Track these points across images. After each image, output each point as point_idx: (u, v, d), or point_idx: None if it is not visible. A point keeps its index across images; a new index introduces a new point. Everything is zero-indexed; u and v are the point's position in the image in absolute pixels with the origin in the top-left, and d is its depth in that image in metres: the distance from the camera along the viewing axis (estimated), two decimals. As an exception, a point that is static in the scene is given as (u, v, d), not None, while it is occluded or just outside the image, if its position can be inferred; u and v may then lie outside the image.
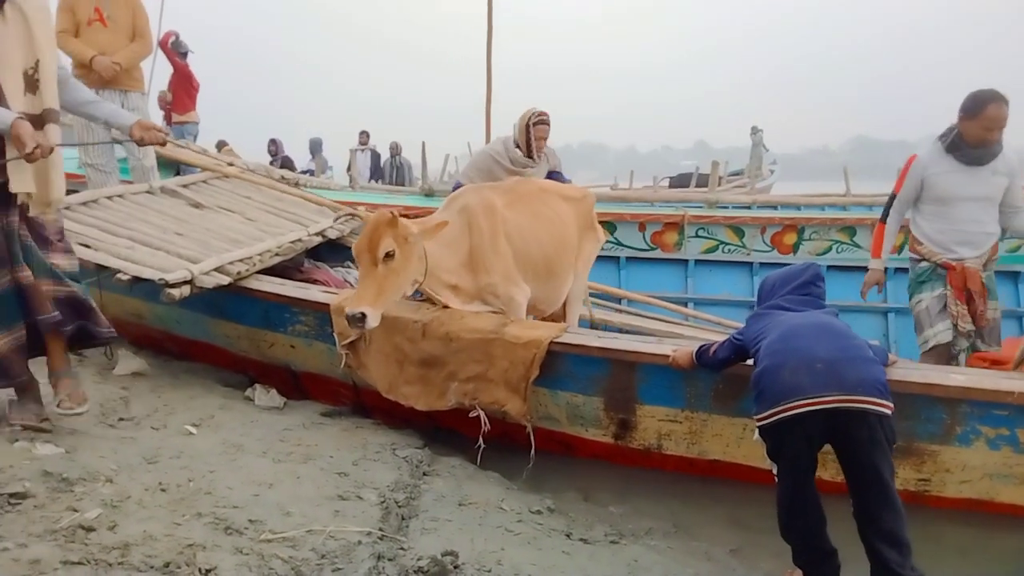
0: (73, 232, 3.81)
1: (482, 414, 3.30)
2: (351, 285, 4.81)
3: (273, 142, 12.43)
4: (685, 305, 5.81)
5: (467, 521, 2.67)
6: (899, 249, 6.41)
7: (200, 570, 1.97)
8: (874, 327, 5.70)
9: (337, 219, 3.38)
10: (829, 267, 5.62)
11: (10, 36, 2.63)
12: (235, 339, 4.05)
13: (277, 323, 3.85)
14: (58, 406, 2.76)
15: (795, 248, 6.40)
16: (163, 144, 3.77)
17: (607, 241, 6.14)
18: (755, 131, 15.64)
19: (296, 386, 4.00)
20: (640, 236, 6.35)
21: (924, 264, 3.85)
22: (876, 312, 5.79)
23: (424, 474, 3.08)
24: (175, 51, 8.70)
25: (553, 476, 3.34)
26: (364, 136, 13.96)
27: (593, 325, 4.80)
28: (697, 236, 6.38)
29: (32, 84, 2.70)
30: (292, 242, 4.49)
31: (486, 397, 3.32)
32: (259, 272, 3.97)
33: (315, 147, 14.31)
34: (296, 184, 6.76)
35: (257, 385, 3.80)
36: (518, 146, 4.68)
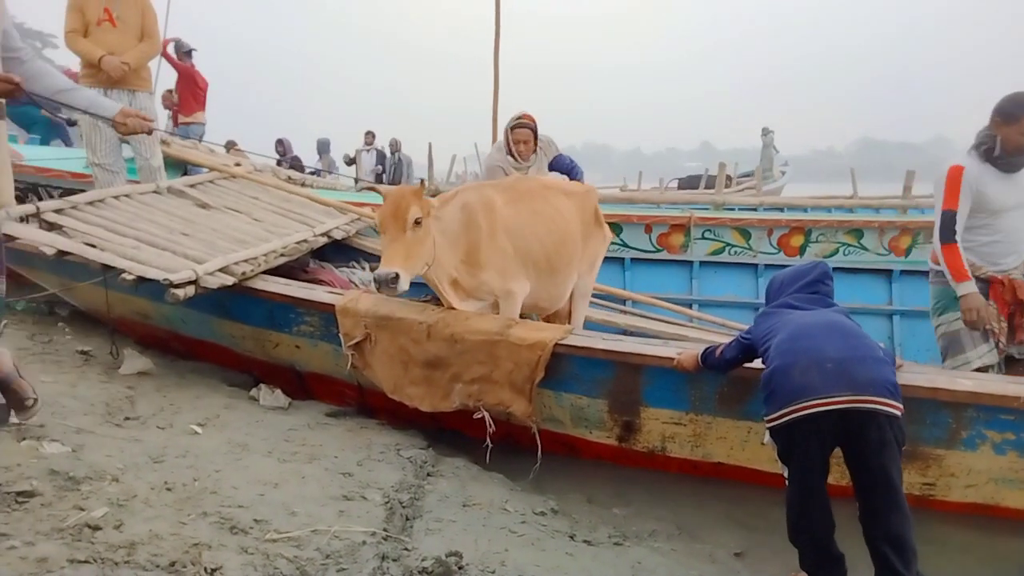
0: (79, 231, 3.83)
1: (487, 416, 3.30)
2: (356, 286, 4.82)
3: (280, 142, 12.45)
4: (690, 307, 5.80)
5: (471, 522, 2.67)
6: (906, 252, 6.41)
7: (205, 569, 1.97)
8: (879, 330, 5.68)
9: (360, 190, 3.48)
10: (835, 269, 5.59)
11: None
12: (240, 339, 4.06)
13: (282, 323, 3.86)
14: None
15: (802, 250, 6.38)
16: (149, 132, 3.75)
17: (613, 242, 6.14)
18: (766, 132, 15.60)
19: (301, 386, 4.01)
20: (646, 238, 6.34)
21: None
22: (881, 314, 5.77)
23: (428, 475, 3.08)
24: (178, 51, 8.72)
25: (557, 478, 3.34)
26: (370, 136, 13.98)
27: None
28: (704, 238, 6.37)
29: None
30: (298, 243, 4.51)
31: (491, 398, 3.32)
32: (265, 272, 3.98)
33: (322, 147, 14.33)
34: (303, 184, 6.78)
35: (262, 385, 3.81)
36: (509, 153, 4.71)
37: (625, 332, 4.76)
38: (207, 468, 2.65)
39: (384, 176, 13.31)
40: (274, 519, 2.33)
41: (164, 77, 8.63)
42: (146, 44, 4.92)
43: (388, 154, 13.69)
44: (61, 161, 5.72)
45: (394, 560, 2.22)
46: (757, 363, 2.81)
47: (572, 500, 3.19)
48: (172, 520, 2.20)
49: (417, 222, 3.15)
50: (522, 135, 4.64)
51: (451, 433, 3.65)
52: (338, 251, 5.31)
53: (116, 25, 4.78)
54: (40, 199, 5.15)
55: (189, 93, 9.02)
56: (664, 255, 6.31)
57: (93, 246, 3.71)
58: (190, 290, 3.47)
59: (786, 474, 2.42)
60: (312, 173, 10.12)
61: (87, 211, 4.13)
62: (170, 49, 8.50)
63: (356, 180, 10.67)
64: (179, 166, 6.08)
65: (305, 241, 4.62)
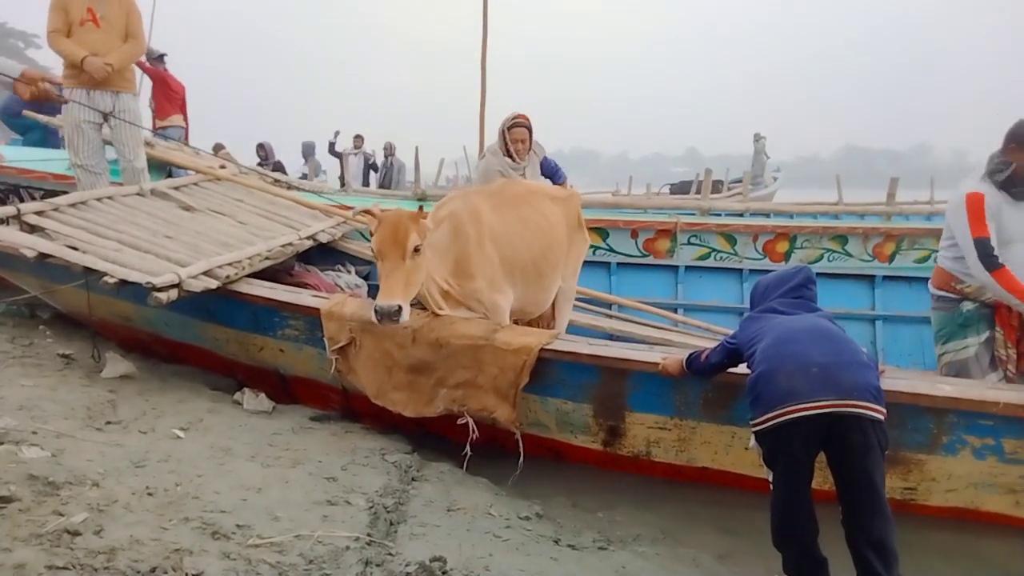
0: (61, 234, 3.80)
1: (471, 421, 3.30)
2: (341, 289, 4.80)
3: (262, 147, 12.32)
4: (675, 311, 5.83)
5: (455, 527, 2.67)
6: (890, 258, 6.49)
7: (187, 575, 1.96)
8: (862, 334, 5.74)
9: (355, 214, 3.37)
10: (818, 274, 5.64)
11: None
12: (224, 342, 4.04)
13: (266, 327, 3.84)
14: None
15: (787, 256, 6.44)
16: (57, 100, 3.58)
17: (600, 247, 6.16)
18: (758, 138, 15.76)
19: (285, 390, 3.99)
20: (633, 243, 6.37)
21: (970, 305, 3.48)
22: (864, 319, 5.83)
23: (413, 479, 3.07)
24: (149, 57, 8.66)
25: (542, 482, 3.34)
26: (359, 140, 13.95)
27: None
28: (689, 243, 6.41)
29: None
30: (283, 246, 4.48)
31: (475, 404, 3.32)
32: (249, 276, 3.96)
33: (307, 151, 14.27)
34: (289, 187, 6.75)
35: (246, 389, 3.78)
36: (506, 154, 4.71)
37: (611, 337, 4.78)
38: (189, 473, 2.63)
39: (377, 180, 13.28)
40: (257, 524, 2.32)
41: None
42: (130, 45, 4.88)
43: (382, 157, 13.67)
44: (43, 162, 5.66)
45: (378, 565, 2.21)
46: (742, 368, 2.83)
47: (557, 504, 3.20)
48: (153, 525, 2.18)
49: (416, 249, 3.07)
50: (519, 134, 4.66)
51: (436, 437, 3.64)
52: (324, 254, 5.29)
53: (100, 25, 4.73)
54: (22, 201, 5.10)
55: (163, 97, 8.96)
56: (650, 260, 6.34)
57: (75, 249, 3.67)
58: (173, 293, 3.44)
59: (771, 478, 2.43)
60: (301, 178, 10.08)
61: (69, 213, 4.09)
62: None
63: (342, 181, 10.63)
64: (163, 168, 6.04)
65: (290, 244, 4.59)
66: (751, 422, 2.42)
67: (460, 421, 3.32)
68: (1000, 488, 3.08)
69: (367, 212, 3.24)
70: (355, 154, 13.50)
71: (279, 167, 11.37)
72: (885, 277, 5.92)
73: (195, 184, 5.29)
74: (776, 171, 16.38)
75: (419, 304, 3.61)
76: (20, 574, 1.80)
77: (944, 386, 3.06)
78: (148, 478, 2.51)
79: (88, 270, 3.57)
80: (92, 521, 2.12)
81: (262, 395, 3.74)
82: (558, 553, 2.63)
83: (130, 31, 4.89)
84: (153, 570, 1.95)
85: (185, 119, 8.99)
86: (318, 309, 3.60)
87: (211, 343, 4.08)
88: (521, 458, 3.25)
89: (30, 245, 3.64)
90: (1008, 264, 3.34)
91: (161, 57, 8.86)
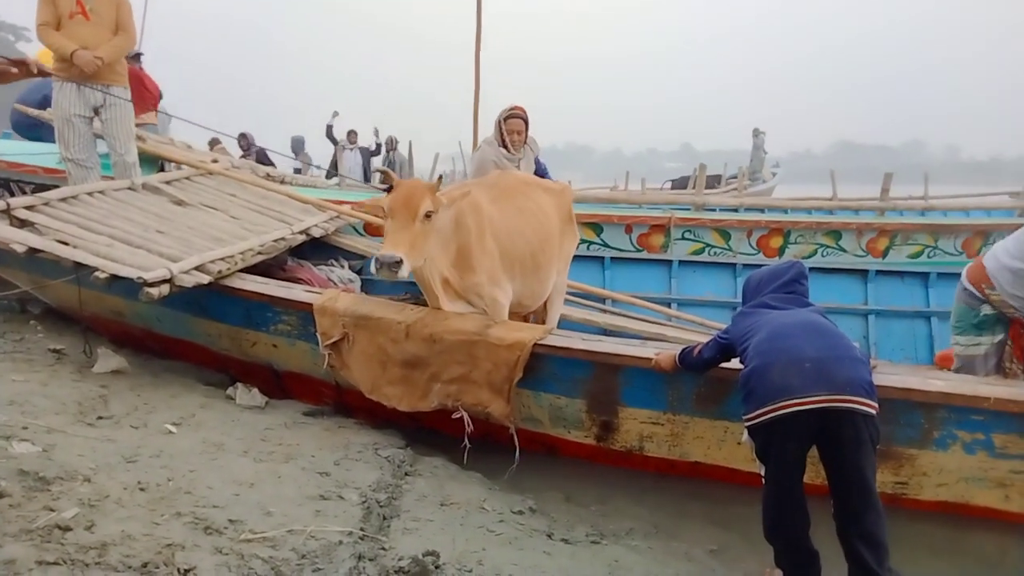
0: (51, 228, 3.77)
1: (465, 416, 3.29)
2: (334, 284, 4.79)
3: (244, 136, 12.18)
4: (668, 306, 5.83)
5: (449, 521, 2.67)
6: (883, 254, 6.51)
7: (179, 570, 1.95)
8: (854, 329, 5.76)
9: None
10: (811, 269, 5.65)
11: None
12: (217, 338, 4.02)
13: (259, 322, 3.83)
14: None
15: (781, 251, 6.45)
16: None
17: (594, 242, 6.16)
18: (757, 134, 15.77)
19: (278, 385, 3.98)
20: (627, 238, 6.37)
21: (989, 310, 3.43)
22: (856, 314, 5.84)
23: (406, 474, 3.07)
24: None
25: (535, 477, 3.35)
26: (352, 135, 13.87)
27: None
28: (684, 239, 6.41)
29: None
30: (275, 240, 4.47)
31: (469, 399, 3.32)
32: (242, 270, 3.94)
33: (297, 145, 14.13)
34: (282, 181, 6.73)
35: (239, 384, 3.77)
36: (502, 145, 4.70)
37: (605, 332, 4.78)
38: (182, 468, 2.62)
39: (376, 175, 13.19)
40: (249, 519, 2.31)
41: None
42: (120, 38, 4.84)
43: (383, 152, 13.59)
44: (34, 156, 5.62)
45: (370, 560, 2.21)
46: (734, 363, 2.84)
47: (550, 499, 3.20)
48: (145, 520, 2.18)
49: (428, 215, 3.10)
50: (515, 125, 4.67)
51: (429, 432, 3.64)
52: (317, 249, 5.28)
53: (89, 18, 4.69)
54: (12, 195, 5.07)
55: (137, 96, 8.92)
56: (644, 255, 6.34)
57: (65, 243, 3.65)
58: (164, 289, 3.43)
59: (763, 473, 2.44)
60: (295, 172, 10.01)
61: (60, 208, 4.06)
62: None
63: (330, 174, 10.53)
64: (154, 162, 6.01)
65: (283, 239, 4.58)
66: (744, 417, 2.43)
67: (455, 416, 3.32)
68: (990, 483, 3.10)
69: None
70: (351, 149, 13.43)
71: (262, 155, 11.22)
72: (878, 272, 5.94)
73: (187, 178, 5.27)
74: (776, 166, 16.41)
75: (415, 299, 3.61)
76: (11, 570, 1.79)
77: (935, 381, 3.08)
78: (140, 473, 2.51)
79: (79, 265, 3.55)
80: (83, 516, 2.11)
81: (255, 390, 3.74)
82: (551, 547, 2.64)
83: (120, 24, 4.85)
84: (145, 565, 1.94)
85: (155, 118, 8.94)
86: (311, 304, 3.59)
87: (204, 338, 4.07)
88: (517, 452, 3.26)
89: (20, 240, 3.62)
90: None
91: (137, 56, 8.81)
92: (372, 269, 3.03)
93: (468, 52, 7.36)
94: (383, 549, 2.32)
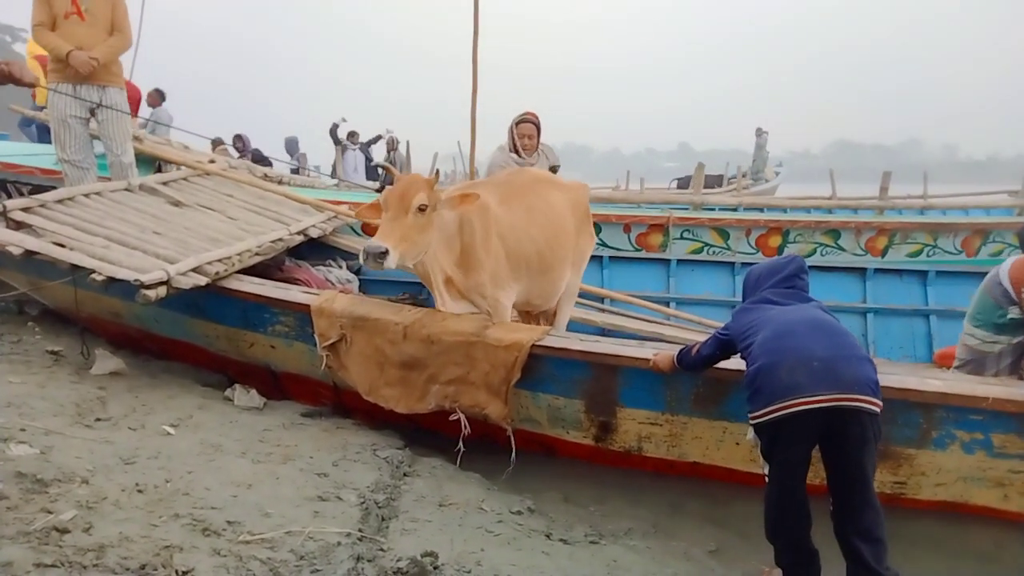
0: (48, 230, 3.76)
1: (463, 417, 3.29)
2: (332, 284, 4.79)
3: (239, 138, 12.16)
4: (667, 305, 5.83)
5: (447, 522, 2.67)
6: (882, 252, 6.51)
7: (177, 572, 1.95)
8: (852, 327, 5.75)
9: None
10: (810, 267, 5.64)
11: None
12: (214, 339, 4.02)
13: (257, 323, 3.83)
14: None
15: (779, 250, 6.46)
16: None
17: (591, 242, 6.15)
18: (759, 133, 15.76)
19: (276, 386, 3.97)
20: (625, 237, 6.37)
21: (1017, 313, 3.37)
22: (855, 312, 5.84)
23: (404, 475, 3.07)
24: None
25: (534, 477, 3.35)
26: (354, 136, 13.88)
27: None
28: (682, 238, 6.41)
29: None
30: (273, 241, 4.46)
31: (467, 400, 3.31)
32: (239, 272, 3.94)
33: (291, 146, 14.10)
34: (279, 182, 6.72)
35: (237, 385, 3.76)
36: (513, 150, 4.75)
37: (603, 331, 4.77)
38: (179, 469, 2.62)
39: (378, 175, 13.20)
40: (247, 520, 2.31)
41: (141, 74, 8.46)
42: (116, 39, 4.82)
43: (385, 152, 13.63)
44: (30, 157, 5.61)
45: (369, 561, 2.21)
46: (732, 363, 2.84)
47: (548, 499, 3.20)
48: (143, 522, 2.17)
49: (421, 209, 3.11)
50: (526, 130, 4.72)
51: (428, 433, 3.63)
52: (314, 249, 5.27)
53: (85, 19, 4.67)
54: (8, 196, 5.05)
55: None
56: (643, 254, 6.34)
57: (62, 245, 3.64)
58: (161, 291, 3.42)
59: (766, 471, 2.43)
60: (293, 172, 9.99)
61: (56, 209, 4.05)
62: None
63: (333, 172, 10.53)
64: (151, 163, 6.00)
65: (280, 240, 4.57)
66: (750, 414, 2.41)
67: (452, 417, 3.31)
68: (989, 482, 3.10)
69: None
70: (353, 149, 13.45)
71: (258, 155, 11.20)
72: (876, 270, 5.94)
73: (184, 179, 5.25)
74: (778, 166, 16.41)
75: (413, 300, 3.60)
76: (8, 572, 1.79)
77: (933, 381, 3.08)
78: (138, 475, 2.50)
79: (76, 267, 3.54)
80: (81, 518, 2.11)
81: (253, 391, 3.73)
82: (550, 547, 2.64)
83: (116, 24, 4.83)
84: (143, 567, 1.94)
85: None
86: (308, 305, 3.58)
87: (201, 339, 4.06)
88: (513, 454, 3.25)
89: (16, 242, 3.61)
90: None
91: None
92: (360, 260, 3.04)
93: (467, 63, 7.37)
94: (381, 550, 2.32)
